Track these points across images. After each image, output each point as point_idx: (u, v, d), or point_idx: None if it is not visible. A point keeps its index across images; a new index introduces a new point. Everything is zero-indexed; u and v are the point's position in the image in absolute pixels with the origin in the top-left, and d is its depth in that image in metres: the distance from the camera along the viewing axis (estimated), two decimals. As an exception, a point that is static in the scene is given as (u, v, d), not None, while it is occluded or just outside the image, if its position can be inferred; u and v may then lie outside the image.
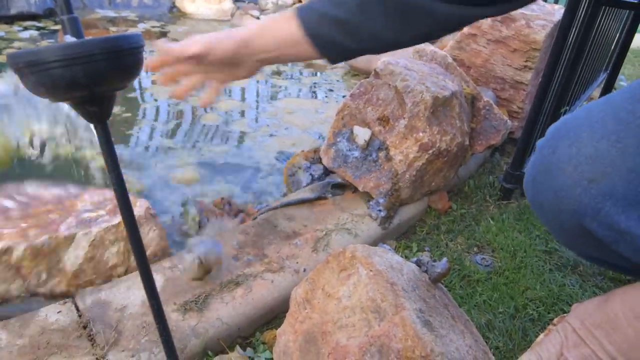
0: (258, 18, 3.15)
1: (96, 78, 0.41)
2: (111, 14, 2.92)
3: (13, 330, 0.71)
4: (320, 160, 1.16)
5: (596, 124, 0.61)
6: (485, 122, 1.25)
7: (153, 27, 2.76)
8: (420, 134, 1.06)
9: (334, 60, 0.75)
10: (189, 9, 3.04)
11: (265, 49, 0.74)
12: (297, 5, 0.78)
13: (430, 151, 1.07)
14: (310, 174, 1.13)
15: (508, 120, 1.27)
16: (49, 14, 2.56)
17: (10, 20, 2.43)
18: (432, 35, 0.72)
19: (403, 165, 1.07)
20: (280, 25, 0.73)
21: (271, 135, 1.61)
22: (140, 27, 2.73)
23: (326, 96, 2.03)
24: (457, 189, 1.32)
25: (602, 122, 0.61)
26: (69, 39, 0.41)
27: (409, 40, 0.73)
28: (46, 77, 0.40)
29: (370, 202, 1.07)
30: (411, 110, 1.07)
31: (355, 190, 1.12)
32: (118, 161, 0.48)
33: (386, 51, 0.74)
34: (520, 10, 1.39)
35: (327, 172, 1.16)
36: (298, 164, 1.15)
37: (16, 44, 2.20)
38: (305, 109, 1.86)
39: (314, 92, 2.07)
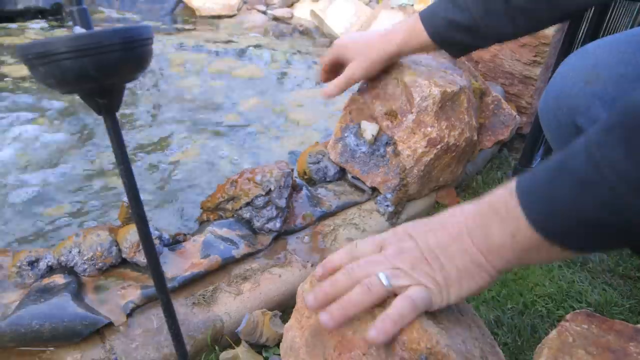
0: (264, 13, 3.14)
1: (106, 69, 0.41)
2: (114, 14, 2.92)
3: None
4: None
5: (603, 42, 0.69)
6: (494, 118, 1.24)
7: (163, 24, 2.77)
8: (429, 129, 1.05)
9: (457, 56, 0.89)
10: (195, 4, 3.03)
11: (402, 57, 0.98)
12: (422, 12, 0.86)
13: (439, 146, 1.06)
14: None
15: (517, 116, 1.25)
16: (56, 9, 2.57)
17: (18, 14, 2.43)
18: (545, 26, 0.80)
19: (411, 160, 1.06)
20: (414, 38, 0.87)
21: (277, 137, 1.60)
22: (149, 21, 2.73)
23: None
24: (465, 184, 1.31)
25: (609, 41, 0.68)
26: (78, 30, 0.41)
27: (525, 32, 0.81)
28: (55, 68, 0.40)
29: (378, 197, 1.07)
30: (419, 105, 1.07)
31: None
32: (127, 152, 0.48)
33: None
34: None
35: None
36: (322, 151, 1.14)
37: (28, 34, 2.21)
38: (316, 102, 1.86)
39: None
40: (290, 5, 3.26)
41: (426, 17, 0.84)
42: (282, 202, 0.91)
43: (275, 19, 3.08)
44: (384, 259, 0.47)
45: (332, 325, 0.47)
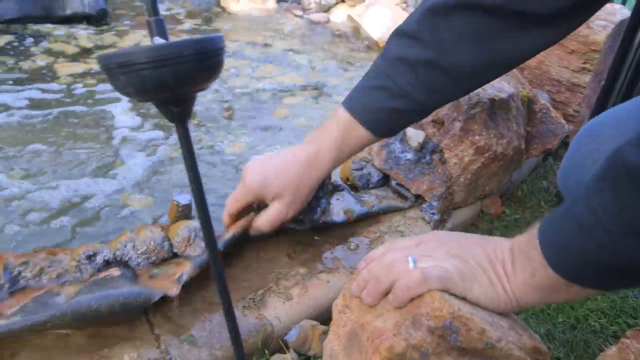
0: (301, 17, 3.16)
1: (182, 79, 0.42)
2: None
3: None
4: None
5: (619, 123, 0.65)
6: (542, 126, 1.21)
7: (196, 25, 2.82)
8: (477, 137, 1.04)
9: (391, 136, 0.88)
10: (233, 9, 3.08)
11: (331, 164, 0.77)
12: (350, 107, 0.74)
13: (486, 155, 1.05)
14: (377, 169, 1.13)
15: (566, 124, 1.23)
16: (102, 14, 2.64)
17: (66, 20, 2.52)
18: (509, 69, 0.73)
19: (458, 168, 1.05)
20: (348, 144, 0.75)
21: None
22: (186, 26, 2.79)
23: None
24: (510, 193, 1.29)
25: (624, 122, 0.65)
26: (158, 40, 0.42)
27: (471, 91, 0.80)
28: (136, 77, 0.41)
29: (423, 205, 1.06)
30: (467, 112, 1.05)
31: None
32: (196, 159, 0.49)
33: None
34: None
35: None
36: (365, 158, 1.14)
37: (80, 38, 2.29)
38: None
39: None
40: (327, 10, 3.27)
41: (359, 113, 0.73)
42: (319, 193, 0.91)
43: (312, 23, 3.10)
44: (418, 249, 0.51)
45: (369, 301, 0.51)
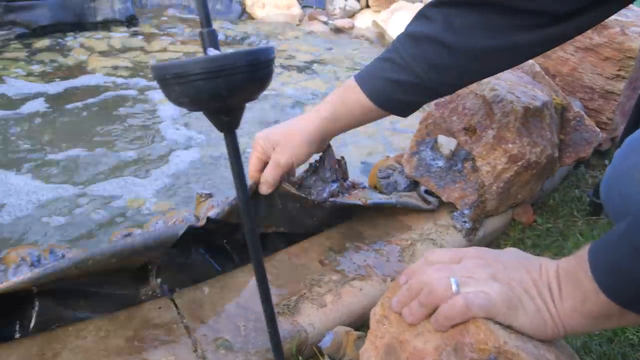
0: (326, 23, 3.18)
1: (235, 90, 0.43)
2: (186, 16, 3.03)
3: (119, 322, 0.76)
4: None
5: None
6: (576, 134, 1.19)
7: (221, 27, 2.85)
8: (510, 145, 1.03)
9: (403, 116, 0.82)
10: (259, 15, 3.11)
11: (336, 132, 0.84)
12: (357, 75, 0.80)
13: (520, 163, 1.04)
14: (406, 177, 1.12)
15: (600, 132, 1.21)
16: (131, 20, 2.70)
17: (97, 26, 2.58)
18: (499, 71, 0.78)
19: (490, 176, 1.04)
20: (347, 104, 0.78)
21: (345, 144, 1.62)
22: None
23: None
24: (542, 202, 1.27)
25: None
26: (212, 51, 0.43)
27: (476, 80, 0.82)
28: (191, 88, 0.42)
29: (455, 213, 1.05)
30: (500, 120, 1.04)
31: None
32: (243, 167, 0.49)
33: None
34: (614, 17, 1.33)
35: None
36: (392, 166, 1.14)
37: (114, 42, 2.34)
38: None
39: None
40: (351, 16, 3.29)
41: (362, 79, 0.78)
42: (325, 174, 0.95)
43: (337, 29, 3.11)
44: (461, 268, 0.49)
45: (411, 321, 0.50)
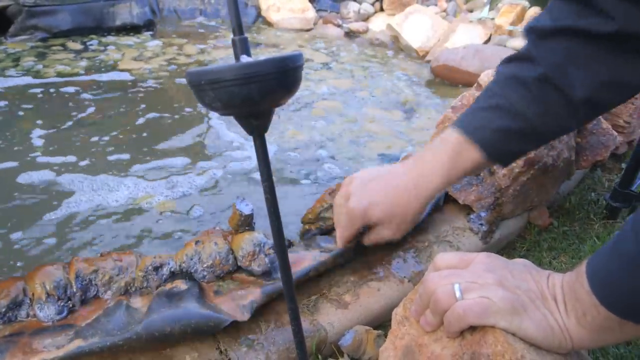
0: (340, 27, 3.19)
1: (266, 95, 0.45)
2: (202, 21, 3.07)
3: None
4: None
5: None
6: (592, 137, 1.20)
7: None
8: (527, 148, 1.04)
9: (506, 165, 0.72)
10: (274, 19, 3.14)
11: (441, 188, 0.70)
12: (458, 123, 0.68)
13: (536, 166, 1.04)
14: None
15: (617, 136, 1.21)
16: (149, 24, 2.74)
17: (116, 30, 2.62)
18: (612, 107, 0.67)
19: (507, 179, 1.05)
20: (459, 167, 0.67)
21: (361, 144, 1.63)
22: (230, 36, 2.86)
23: (413, 109, 2.02)
24: (558, 205, 1.27)
25: None
26: (245, 58, 0.45)
27: (589, 121, 0.72)
28: (224, 93, 0.44)
29: (471, 216, 1.06)
30: (517, 123, 1.05)
31: (454, 202, 1.11)
32: (271, 171, 0.51)
33: None
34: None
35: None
36: None
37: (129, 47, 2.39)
38: (386, 119, 1.88)
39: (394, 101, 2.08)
40: (366, 19, 3.30)
41: (473, 133, 0.66)
42: None
43: (351, 32, 3.13)
44: (467, 273, 0.49)
45: (428, 329, 0.51)
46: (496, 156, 0.68)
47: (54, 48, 2.35)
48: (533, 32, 0.64)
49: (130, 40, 2.55)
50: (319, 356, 0.78)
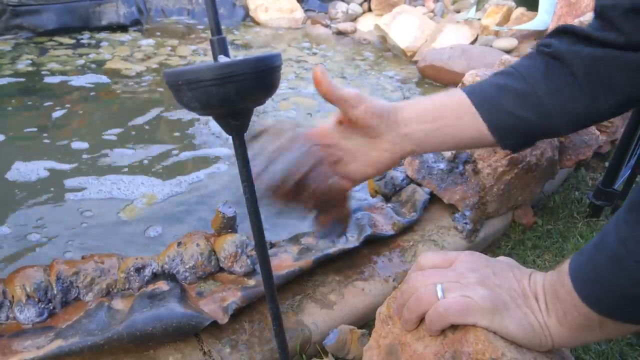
0: (328, 27, 3.20)
1: (244, 95, 0.45)
2: (189, 21, 3.06)
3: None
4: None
5: None
6: (575, 137, 1.21)
7: (227, 33, 2.88)
8: (510, 148, 1.05)
9: (514, 150, 0.61)
10: (262, 18, 3.13)
11: (420, 117, 0.57)
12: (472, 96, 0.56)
13: (520, 165, 1.05)
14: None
15: (600, 135, 1.22)
16: (135, 24, 2.72)
17: (102, 29, 2.60)
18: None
19: (491, 179, 1.06)
20: (446, 98, 0.58)
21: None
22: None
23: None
24: (542, 204, 1.29)
25: None
26: (222, 58, 0.45)
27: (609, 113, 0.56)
28: (202, 93, 0.44)
29: (456, 215, 1.07)
30: (501, 123, 1.06)
31: (439, 201, 1.12)
32: (251, 171, 0.51)
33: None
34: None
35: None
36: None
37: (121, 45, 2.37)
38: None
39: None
40: (354, 19, 3.31)
41: (482, 105, 0.57)
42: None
43: (339, 32, 3.13)
44: (450, 272, 0.50)
45: (407, 328, 0.52)
46: (493, 124, 0.56)
47: (49, 44, 2.35)
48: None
49: (118, 37, 2.53)
50: (303, 356, 0.78)
